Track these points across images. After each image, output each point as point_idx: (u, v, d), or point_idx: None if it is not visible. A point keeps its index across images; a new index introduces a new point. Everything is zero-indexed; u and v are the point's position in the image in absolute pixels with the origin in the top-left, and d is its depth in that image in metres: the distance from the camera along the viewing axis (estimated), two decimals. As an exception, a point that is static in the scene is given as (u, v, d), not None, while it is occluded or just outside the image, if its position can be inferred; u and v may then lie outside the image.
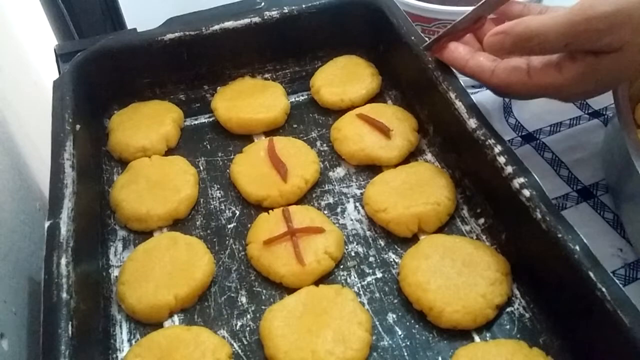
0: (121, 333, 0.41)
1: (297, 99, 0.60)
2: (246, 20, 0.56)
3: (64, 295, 0.36)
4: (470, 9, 0.46)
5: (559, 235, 0.36)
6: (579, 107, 0.58)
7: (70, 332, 0.34)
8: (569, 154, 0.54)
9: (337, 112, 0.57)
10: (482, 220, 0.46)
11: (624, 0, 0.35)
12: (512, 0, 0.48)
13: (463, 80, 0.48)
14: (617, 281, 0.34)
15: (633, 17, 0.35)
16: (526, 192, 0.39)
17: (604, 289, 0.33)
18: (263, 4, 0.59)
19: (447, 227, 0.46)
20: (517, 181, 0.40)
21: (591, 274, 0.34)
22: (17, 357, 0.39)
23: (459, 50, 0.46)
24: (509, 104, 0.59)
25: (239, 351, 0.40)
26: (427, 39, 0.51)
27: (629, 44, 0.36)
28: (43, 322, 0.35)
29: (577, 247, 0.35)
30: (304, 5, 0.57)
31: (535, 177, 0.40)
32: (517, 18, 0.47)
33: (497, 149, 0.42)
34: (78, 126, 0.48)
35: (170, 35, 0.55)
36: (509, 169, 0.41)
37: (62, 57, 0.60)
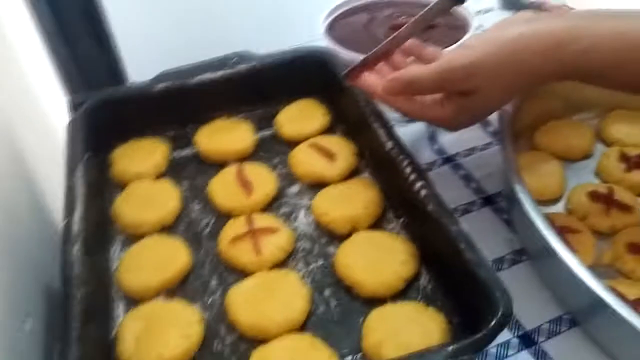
0: (118, 308, 0.54)
1: (264, 134, 0.74)
2: (221, 73, 0.71)
3: (76, 271, 0.48)
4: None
5: (442, 220, 0.49)
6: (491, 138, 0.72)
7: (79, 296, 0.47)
8: (478, 171, 0.67)
9: (296, 144, 0.70)
10: (402, 220, 0.59)
11: (477, 55, 0.50)
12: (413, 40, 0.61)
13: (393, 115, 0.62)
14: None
15: (482, 69, 0.50)
16: (423, 192, 0.52)
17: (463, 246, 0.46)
18: (235, 59, 0.74)
19: (375, 225, 0.59)
20: (418, 184, 0.53)
21: (462, 245, 0.47)
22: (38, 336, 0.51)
23: (370, 79, 0.59)
24: (434, 133, 0.73)
25: (209, 318, 0.52)
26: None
27: (481, 88, 0.51)
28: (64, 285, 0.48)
29: (455, 228, 0.48)
30: (266, 61, 0.72)
31: (430, 180, 0.53)
32: (414, 54, 0.60)
33: (405, 162, 0.56)
34: (86, 155, 0.62)
35: (159, 86, 0.70)
36: (413, 176, 0.54)
37: (73, 105, 0.74)
